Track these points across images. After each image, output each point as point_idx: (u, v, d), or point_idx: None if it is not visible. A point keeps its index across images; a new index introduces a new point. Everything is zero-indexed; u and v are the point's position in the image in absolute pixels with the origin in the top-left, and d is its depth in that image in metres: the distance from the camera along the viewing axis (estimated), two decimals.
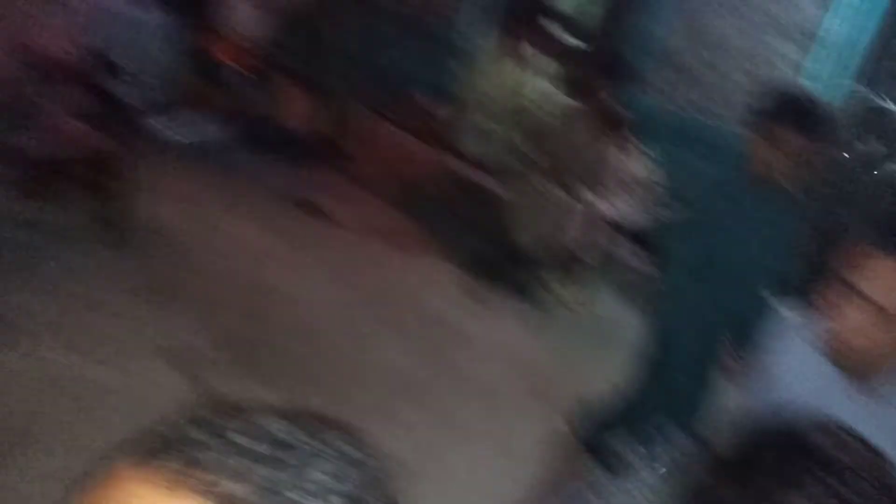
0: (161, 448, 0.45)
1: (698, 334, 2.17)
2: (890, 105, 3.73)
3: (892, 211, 3.75)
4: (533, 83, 4.51)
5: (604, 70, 3.93)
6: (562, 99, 4.28)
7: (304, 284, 3.55)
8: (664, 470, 1.92)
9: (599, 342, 3.65)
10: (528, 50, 4.46)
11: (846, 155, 3.86)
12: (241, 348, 3.00)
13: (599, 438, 2.44)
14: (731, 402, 2.11)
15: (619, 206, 3.98)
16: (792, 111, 2.00)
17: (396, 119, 4.94)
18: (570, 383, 3.24)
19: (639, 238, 4.51)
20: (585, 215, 3.81)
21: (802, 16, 4.17)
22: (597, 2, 6.15)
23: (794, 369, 1.47)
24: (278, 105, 5.14)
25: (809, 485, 0.68)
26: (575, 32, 6.32)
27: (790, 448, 0.74)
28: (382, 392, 2.90)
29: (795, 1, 4.18)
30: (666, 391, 2.24)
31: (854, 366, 1.32)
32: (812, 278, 1.51)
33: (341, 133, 5.30)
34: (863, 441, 0.76)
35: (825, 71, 4.15)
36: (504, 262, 4.06)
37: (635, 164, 4.11)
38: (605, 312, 3.94)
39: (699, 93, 4.69)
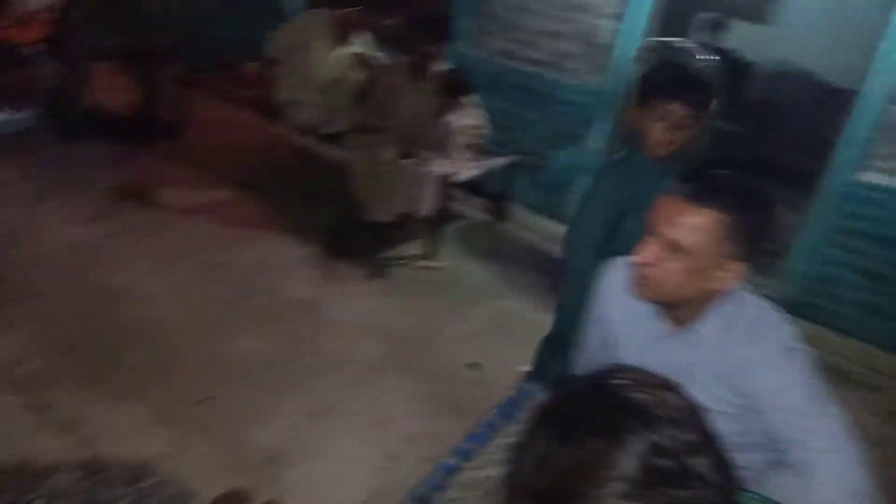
0: None
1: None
2: (685, 42, 4.04)
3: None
4: (358, 50, 4.50)
5: (425, 29, 3.98)
6: (388, 62, 4.31)
7: (142, 279, 3.37)
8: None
9: (455, 297, 3.76)
10: (351, 18, 4.41)
11: None
12: (84, 360, 2.83)
13: None
14: None
15: (459, 163, 4.10)
16: (677, 85, 2.04)
17: (224, 92, 4.70)
18: (430, 343, 3.34)
19: (482, 190, 4.70)
20: (429, 176, 3.88)
21: None
22: None
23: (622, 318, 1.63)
24: (89, 85, 4.74)
25: (631, 442, 0.71)
26: None
27: (609, 406, 0.75)
28: (247, 384, 2.85)
29: None
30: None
31: (655, 299, 1.47)
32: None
33: (163, 110, 4.99)
34: (677, 391, 0.80)
35: (639, 19, 4.41)
36: (354, 232, 4.06)
37: (470, 119, 4.23)
38: (459, 267, 4.06)
39: (512, 42, 4.86)
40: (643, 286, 1.44)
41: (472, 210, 4.78)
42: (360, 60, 4.49)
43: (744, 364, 1.42)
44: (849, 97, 4.52)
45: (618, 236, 2.04)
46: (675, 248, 1.37)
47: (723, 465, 0.73)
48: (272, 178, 4.74)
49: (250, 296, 3.42)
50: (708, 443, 0.74)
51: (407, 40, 4.08)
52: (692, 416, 0.76)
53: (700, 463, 0.71)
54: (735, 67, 6.36)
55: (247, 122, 5.10)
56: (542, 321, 3.62)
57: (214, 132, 5.10)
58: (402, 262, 3.98)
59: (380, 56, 4.54)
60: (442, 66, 4.06)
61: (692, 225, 1.35)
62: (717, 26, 6.44)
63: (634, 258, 1.42)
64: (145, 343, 2.97)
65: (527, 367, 2.31)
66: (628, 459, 0.70)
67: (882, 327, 4.11)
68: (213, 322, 3.17)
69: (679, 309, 1.48)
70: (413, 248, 4.10)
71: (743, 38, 6.86)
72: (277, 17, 5.54)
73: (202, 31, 5.85)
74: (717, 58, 4.03)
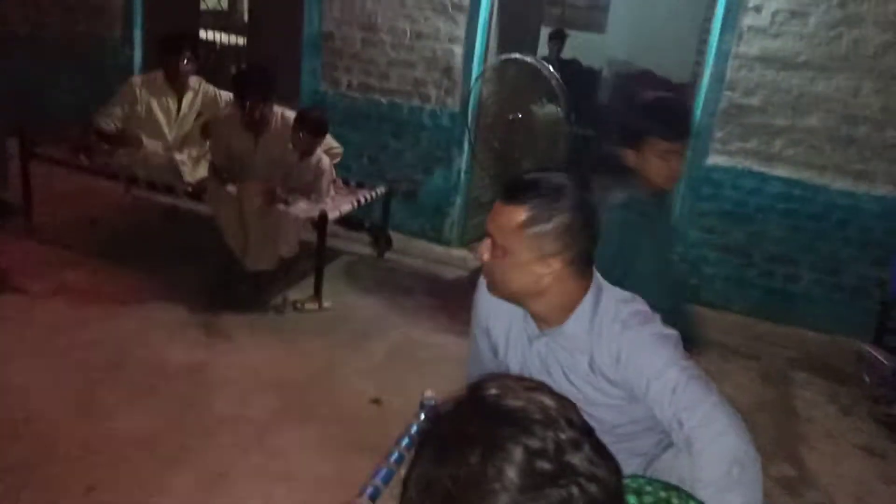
0: None
1: None
2: (526, 57, 4.20)
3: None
4: (200, 100, 4.39)
5: (249, 91, 3.90)
6: (231, 111, 4.22)
7: (9, 372, 3.07)
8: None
9: (348, 335, 3.69)
10: (186, 70, 4.30)
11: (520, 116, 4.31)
12: None
13: None
14: None
15: (330, 201, 4.05)
16: (664, 119, 2.09)
17: (71, 161, 4.41)
18: (328, 385, 3.25)
19: (360, 224, 4.66)
20: (300, 218, 3.80)
21: None
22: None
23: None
24: None
25: (510, 450, 0.71)
26: (228, 28, 6.25)
27: (484, 418, 0.75)
28: (133, 462, 2.65)
29: None
30: None
31: (501, 297, 1.53)
32: None
33: (2, 189, 4.63)
34: (548, 391, 0.80)
35: (484, 40, 4.58)
36: (233, 285, 3.91)
37: (329, 156, 4.21)
38: (347, 305, 3.99)
39: (367, 75, 4.90)
40: (488, 285, 1.52)
41: (353, 245, 4.73)
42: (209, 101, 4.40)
43: (615, 356, 1.46)
44: (685, 90, 4.87)
45: (630, 279, 2.03)
46: (496, 246, 1.44)
47: (602, 457, 0.74)
48: (137, 244, 4.49)
49: (128, 369, 3.19)
50: (585, 438, 0.74)
51: (239, 91, 3.93)
52: (566, 413, 0.76)
53: (580, 458, 0.72)
54: (580, 75, 6.71)
55: (100, 189, 4.82)
56: (441, 343, 3.65)
57: (65, 204, 4.78)
58: (287, 308, 3.86)
59: (223, 98, 4.44)
60: (285, 110, 4.00)
61: (503, 224, 1.42)
62: (559, 38, 6.79)
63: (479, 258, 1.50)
64: (21, 439, 2.70)
65: (430, 393, 2.28)
66: (511, 469, 0.70)
67: (750, 297, 4.40)
68: (91, 403, 2.93)
69: (535, 310, 1.51)
70: (297, 292, 3.99)
71: (583, 47, 7.25)
72: (114, 80, 5.31)
73: (38, 100, 5.51)
74: (558, 69, 4.25)
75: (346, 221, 4.52)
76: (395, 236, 4.79)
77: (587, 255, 1.47)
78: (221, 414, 2.96)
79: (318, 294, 3.90)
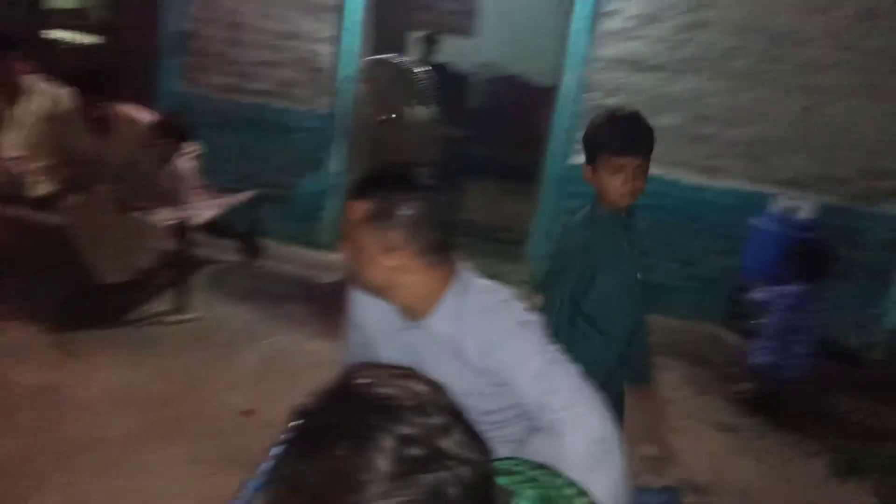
0: None
1: None
2: (398, 58, 4.20)
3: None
4: (46, 102, 4.05)
5: (95, 81, 3.75)
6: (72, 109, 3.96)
7: None
8: None
9: (217, 346, 3.53)
10: (15, 71, 3.93)
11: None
12: None
13: None
14: None
15: (192, 207, 3.87)
16: (626, 138, 1.99)
17: None
18: (196, 400, 3.10)
19: (229, 231, 4.47)
20: (159, 226, 3.60)
21: None
22: None
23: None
24: None
25: (380, 439, 0.69)
26: (85, 27, 5.88)
27: (352, 408, 0.73)
28: None
29: None
30: None
31: (362, 289, 1.55)
32: None
33: None
34: (418, 377, 0.78)
35: (354, 42, 4.52)
36: (89, 300, 3.65)
37: (190, 161, 4.03)
38: (215, 315, 3.82)
39: (231, 75, 4.73)
40: (350, 279, 1.53)
41: (221, 253, 4.54)
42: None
43: (481, 345, 1.48)
44: (549, 93, 5.03)
45: (592, 296, 1.98)
46: (349, 241, 1.46)
47: (473, 440, 0.74)
48: None
49: None
50: (455, 421, 0.74)
51: (79, 88, 3.78)
52: (436, 398, 0.76)
53: (450, 442, 0.71)
54: (451, 78, 6.78)
55: None
56: (316, 349, 3.56)
57: None
58: (149, 321, 3.64)
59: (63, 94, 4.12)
60: (137, 111, 3.81)
61: (352, 218, 1.44)
62: (429, 42, 6.84)
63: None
64: None
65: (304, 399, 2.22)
66: (381, 457, 0.68)
67: None
68: None
69: (396, 302, 1.53)
70: (160, 304, 3.78)
71: (453, 51, 7.34)
72: None
73: None
74: (431, 71, 4.28)
75: (212, 228, 4.33)
76: (267, 242, 4.64)
77: (439, 246, 1.48)
78: (77, 437, 2.75)
79: (181, 304, 3.71)
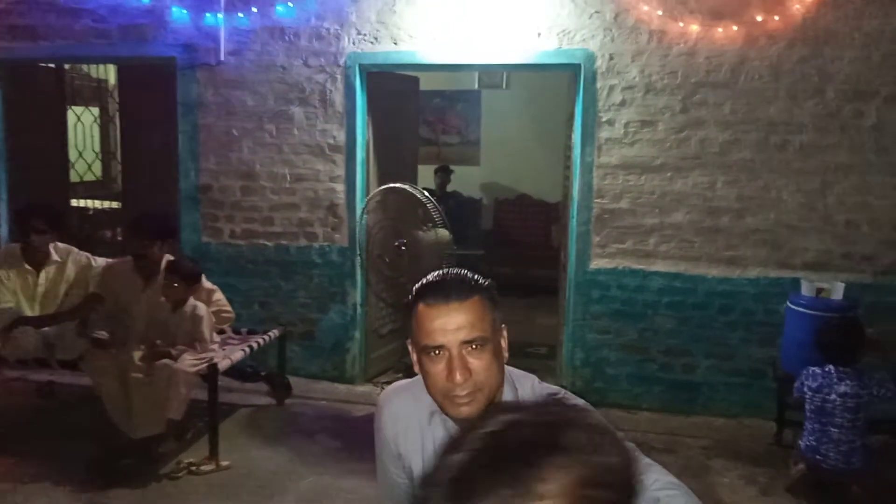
0: None
1: None
2: (405, 186, 4.32)
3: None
4: (71, 270, 4.17)
5: (144, 231, 3.92)
6: (110, 265, 4.13)
7: None
8: None
9: (252, 493, 3.40)
10: (39, 242, 4.08)
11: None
12: None
13: None
14: None
15: (218, 351, 3.86)
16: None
17: None
18: None
19: (255, 374, 4.44)
20: (189, 372, 3.58)
21: (329, 136, 4.66)
22: (117, 163, 6.11)
23: None
24: None
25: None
26: (103, 196, 6.17)
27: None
28: None
29: (322, 127, 4.66)
30: None
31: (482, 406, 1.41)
32: None
33: None
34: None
35: (359, 176, 4.69)
36: (120, 456, 3.57)
37: (212, 303, 4.08)
38: (248, 460, 3.70)
39: (249, 221, 4.88)
40: (473, 403, 1.37)
41: (251, 397, 4.48)
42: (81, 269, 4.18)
43: None
44: (555, 209, 5.11)
45: None
46: (480, 343, 1.36)
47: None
48: (8, 428, 4.07)
49: None
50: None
51: (132, 244, 4.00)
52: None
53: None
54: (462, 205, 6.98)
55: None
56: (354, 486, 3.42)
57: None
58: (181, 473, 3.53)
59: (101, 264, 4.25)
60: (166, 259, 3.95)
61: (469, 319, 1.36)
62: (442, 173, 7.13)
63: (452, 384, 1.36)
64: None
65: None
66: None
67: (655, 392, 4.46)
68: None
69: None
70: (192, 454, 3.68)
71: (462, 180, 7.61)
72: None
73: None
74: (443, 201, 4.42)
75: (240, 374, 4.30)
76: (295, 381, 4.59)
77: None
78: None
79: (214, 453, 3.62)
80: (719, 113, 4.21)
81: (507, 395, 1.46)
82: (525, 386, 1.49)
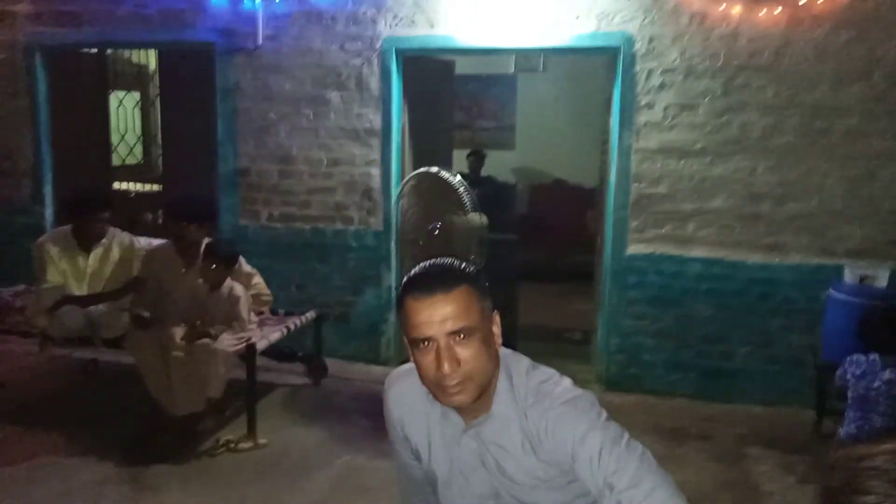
0: None
1: None
2: (438, 170, 4.31)
3: None
4: (116, 251, 4.26)
5: (182, 213, 3.98)
6: (153, 249, 4.20)
7: None
8: None
9: (288, 471, 3.46)
10: (95, 229, 4.17)
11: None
12: None
13: None
14: None
15: (256, 331, 3.92)
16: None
17: None
18: None
19: (292, 354, 4.50)
20: (227, 352, 3.65)
21: (365, 120, 4.68)
22: (157, 146, 6.22)
23: None
24: None
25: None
26: (143, 178, 6.29)
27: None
28: None
29: (358, 111, 4.68)
30: None
31: (474, 396, 1.44)
32: None
33: None
34: None
35: (394, 160, 4.71)
36: (160, 434, 3.67)
37: (250, 285, 4.14)
38: (284, 439, 3.77)
39: (286, 205, 4.93)
40: (464, 392, 1.39)
41: (287, 377, 4.55)
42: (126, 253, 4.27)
43: (537, 432, 1.41)
44: (591, 194, 5.06)
45: None
46: (467, 332, 1.37)
47: None
48: (54, 404, 4.19)
49: None
50: None
51: (171, 227, 4.06)
52: None
53: None
54: (497, 190, 6.95)
55: (7, 352, 4.54)
56: (388, 466, 3.45)
57: None
58: (220, 450, 3.61)
59: (144, 245, 4.34)
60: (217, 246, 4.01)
61: (456, 309, 1.36)
62: (475, 157, 7.10)
63: (441, 374, 1.37)
64: None
65: None
66: None
67: (692, 379, 4.42)
68: None
69: (477, 396, 1.43)
70: (230, 432, 3.76)
71: (497, 165, 7.58)
72: (25, 239, 5.18)
73: None
74: (477, 186, 4.39)
75: (277, 354, 4.37)
76: (331, 362, 4.64)
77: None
78: None
79: (252, 431, 3.69)
80: (761, 97, 4.12)
81: (501, 381, 1.47)
82: (519, 371, 1.49)
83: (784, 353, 4.26)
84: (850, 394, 3.34)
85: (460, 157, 6.81)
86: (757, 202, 4.20)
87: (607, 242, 4.48)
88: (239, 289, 3.86)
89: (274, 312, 4.42)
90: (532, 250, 6.70)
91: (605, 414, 1.41)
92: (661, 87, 4.22)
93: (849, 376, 3.33)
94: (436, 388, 1.41)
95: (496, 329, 1.47)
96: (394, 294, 4.82)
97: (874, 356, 3.28)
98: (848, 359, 3.38)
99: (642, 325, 4.43)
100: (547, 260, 6.96)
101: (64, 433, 3.74)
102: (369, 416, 4.06)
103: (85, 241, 4.16)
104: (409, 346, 1.44)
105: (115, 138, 6.59)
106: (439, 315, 1.36)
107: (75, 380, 4.59)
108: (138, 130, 7.46)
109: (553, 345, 5.28)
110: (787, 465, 3.61)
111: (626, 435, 1.37)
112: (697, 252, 4.30)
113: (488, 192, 6.22)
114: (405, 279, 1.46)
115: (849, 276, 3.98)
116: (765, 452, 3.74)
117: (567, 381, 1.48)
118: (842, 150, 4.08)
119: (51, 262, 4.07)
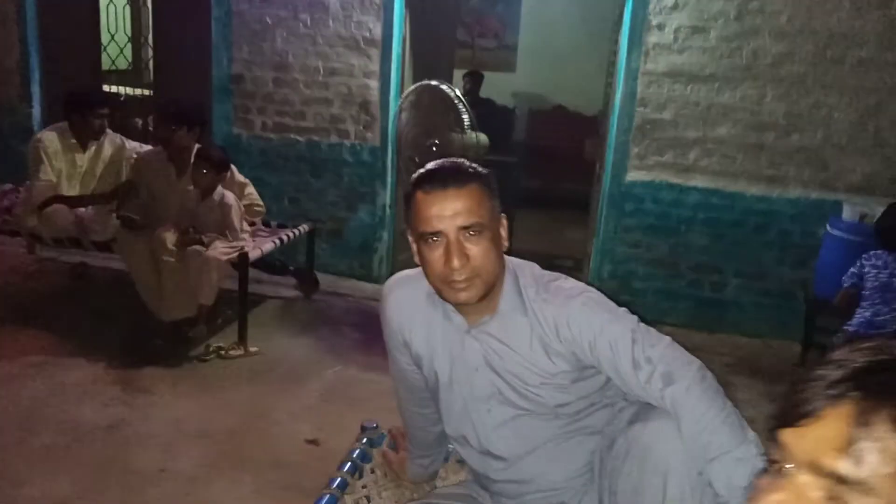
0: None
1: None
2: (441, 84, 4.18)
3: None
4: (108, 150, 4.17)
5: (173, 117, 3.86)
6: (145, 153, 4.11)
7: None
8: None
9: (278, 379, 3.49)
10: (96, 125, 4.08)
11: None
12: None
13: None
14: None
15: (249, 240, 3.88)
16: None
17: None
18: (261, 431, 3.04)
19: (284, 267, 4.48)
20: (220, 259, 3.61)
21: (365, 28, 4.51)
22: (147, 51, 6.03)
23: None
24: None
25: None
26: (133, 83, 6.12)
27: None
28: None
29: (358, 18, 4.50)
30: None
31: (481, 294, 1.46)
32: None
33: None
34: None
35: (393, 73, 4.57)
36: (151, 337, 3.67)
37: (244, 196, 4.08)
38: (275, 348, 3.78)
39: (281, 115, 4.80)
40: (471, 287, 1.39)
41: (279, 290, 4.54)
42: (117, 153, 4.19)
43: (554, 325, 1.42)
44: (591, 122, 4.95)
45: None
46: (477, 229, 1.36)
47: None
48: (44, 306, 4.17)
49: (38, 431, 2.89)
50: None
51: (161, 131, 3.95)
52: None
53: None
54: (495, 113, 6.80)
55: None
56: (377, 378, 3.48)
57: None
58: (210, 356, 3.63)
59: (135, 147, 4.26)
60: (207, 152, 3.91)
61: (467, 204, 1.36)
62: (473, 79, 6.91)
63: (449, 269, 1.36)
64: None
65: (367, 421, 2.14)
66: None
67: (682, 308, 4.44)
68: (13, 472, 2.64)
69: (484, 295, 1.43)
70: (221, 339, 3.77)
71: (496, 86, 7.38)
72: (14, 138, 5.07)
73: None
74: (474, 108, 4.26)
75: (269, 266, 4.35)
76: (323, 278, 4.63)
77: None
78: (144, 471, 2.71)
79: (243, 339, 3.70)
80: (775, 22, 3.99)
81: (507, 284, 1.47)
82: (525, 274, 1.50)
83: (776, 287, 4.27)
84: (868, 285, 3.47)
85: (458, 77, 6.63)
86: (761, 132, 4.13)
87: (607, 168, 4.41)
88: (230, 197, 3.80)
89: (266, 224, 4.37)
90: (528, 177, 6.64)
91: (617, 306, 1.45)
92: (674, 7, 4.07)
93: (868, 268, 3.47)
94: (442, 284, 1.40)
95: (503, 231, 1.46)
96: (388, 212, 4.77)
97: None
98: (865, 255, 3.51)
99: (636, 252, 4.42)
100: (542, 187, 6.90)
101: (55, 334, 3.73)
102: (360, 329, 4.08)
103: (83, 137, 4.07)
104: (416, 242, 1.42)
105: (105, 39, 6.36)
106: (451, 209, 1.35)
107: (64, 283, 4.57)
108: (129, 32, 7.18)
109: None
110: (769, 394, 3.67)
111: (648, 326, 1.44)
112: (697, 181, 4.24)
113: (485, 115, 6.09)
114: (418, 174, 1.43)
115: (847, 214, 3.95)
116: (749, 381, 3.80)
117: (574, 280, 1.50)
118: (852, 81, 3.99)
119: (46, 158, 3.97)
